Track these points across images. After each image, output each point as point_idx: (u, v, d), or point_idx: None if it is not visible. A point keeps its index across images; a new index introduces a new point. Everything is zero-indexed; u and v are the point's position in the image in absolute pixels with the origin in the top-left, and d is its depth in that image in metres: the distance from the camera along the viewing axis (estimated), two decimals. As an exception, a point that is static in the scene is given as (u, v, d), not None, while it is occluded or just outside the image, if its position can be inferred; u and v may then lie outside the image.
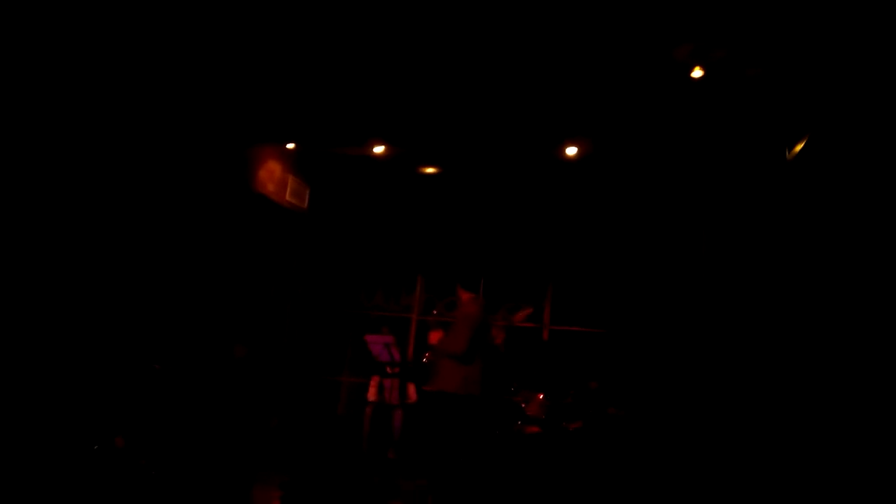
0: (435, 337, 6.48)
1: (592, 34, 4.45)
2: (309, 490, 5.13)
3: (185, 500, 4.34)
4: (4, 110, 4.22)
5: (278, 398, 7.73)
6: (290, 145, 7.15)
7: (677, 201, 6.82)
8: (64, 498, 3.97)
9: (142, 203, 5.46)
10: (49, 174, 4.57)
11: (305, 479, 5.07)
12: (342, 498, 5.35)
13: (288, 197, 7.46)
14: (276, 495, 4.65)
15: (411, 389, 7.59)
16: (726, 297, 5.45)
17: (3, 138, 4.23)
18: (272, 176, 7.14)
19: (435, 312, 6.65)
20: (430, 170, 7.64)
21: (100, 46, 4.66)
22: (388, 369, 6.97)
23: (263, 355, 7.14)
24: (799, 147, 3.83)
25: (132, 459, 4.44)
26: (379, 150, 6.69)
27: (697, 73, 5.01)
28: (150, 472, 4.38)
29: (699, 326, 5.93)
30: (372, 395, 7.44)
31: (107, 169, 5.06)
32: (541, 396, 7.13)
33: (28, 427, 4.20)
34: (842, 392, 3.29)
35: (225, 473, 4.87)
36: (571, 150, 5.85)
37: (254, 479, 4.96)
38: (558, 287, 8.63)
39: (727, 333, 5.37)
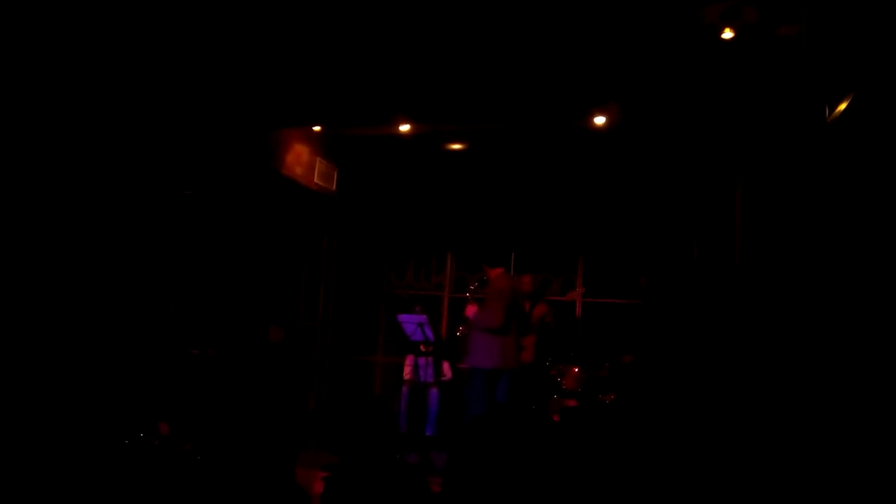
0: (470, 311, 6.54)
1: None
2: (349, 470, 5.16)
3: (231, 483, 4.41)
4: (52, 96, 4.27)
5: (315, 379, 7.81)
6: (317, 128, 7.14)
7: (710, 167, 6.68)
8: (113, 484, 4.06)
9: (176, 190, 5.51)
10: (87, 173, 4.63)
11: (345, 460, 5.10)
12: (381, 477, 5.39)
13: (316, 179, 7.47)
14: (318, 475, 4.70)
15: (446, 367, 7.61)
16: (764, 266, 5.33)
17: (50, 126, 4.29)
18: (300, 159, 7.14)
19: (472, 288, 6.65)
20: (456, 146, 7.58)
21: (123, 34, 4.68)
22: (422, 348, 6.99)
23: (298, 337, 7.22)
24: (842, 107, 3.69)
25: (177, 445, 4.53)
26: (404, 128, 6.64)
27: (728, 34, 4.86)
28: (195, 456, 4.46)
29: (736, 297, 5.83)
30: (407, 374, 7.48)
31: (140, 158, 5.11)
32: (576, 370, 7.12)
33: (73, 415, 4.30)
34: None
35: (267, 455, 4.92)
36: (599, 120, 5.74)
37: (294, 461, 5.01)
38: (589, 259, 8.56)
39: (764, 305, 5.26)
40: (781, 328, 4.70)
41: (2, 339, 4.04)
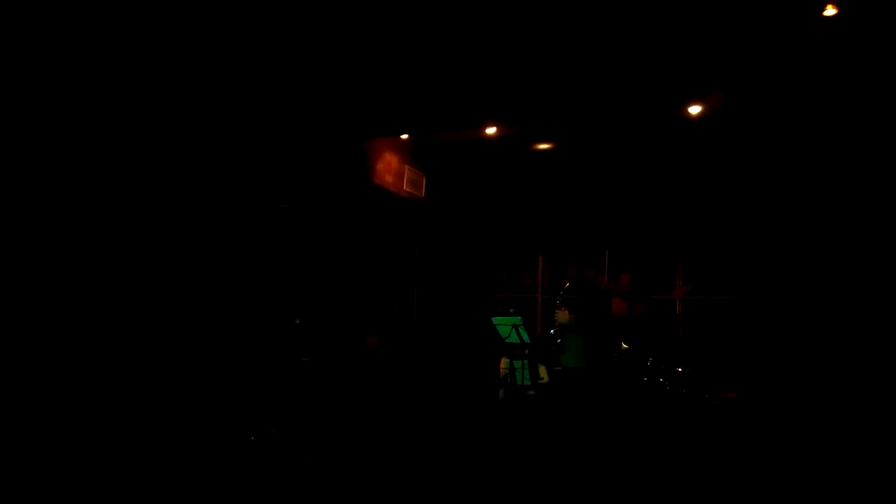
0: (562, 315, 6.52)
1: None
2: (449, 468, 5.19)
3: (339, 483, 4.50)
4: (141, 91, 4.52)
5: (411, 385, 7.88)
6: (405, 136, 7.24)
7: (816, 155, 6.31)
8: (229, 481, 4.23)
9: (273, 204, 5.71)
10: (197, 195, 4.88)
11: (443, 458, 5.13)
12: (483, 477, 5.38)
13: (405, 187, 7.57)
14: (418, 474, 4.74)
15: (542, 370, 7.52)
16: (875, 264, 4.98)
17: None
18: (389, 167, 7.26)
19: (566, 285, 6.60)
20: (544, 146, 7.50)
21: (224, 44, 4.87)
22: (517, 351, 6.93)
23: (395, 343, 7.31)
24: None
25: (285, 447, 4.66)
26: (491, 130, 6.63)
27: (830, 11, 4.62)
28: (303, 458, 4.58)
29: (848, 294, 5.48)
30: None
31: (239, 174, 5.33)
32: (679, 370, 6.91)
33: (197, 419, 4.51)
34: None
35: (368, 456, 5.00)
36: (695, 109, 5.54)
37: (392, 459, 5.07)
38: (689, 256, 8.26)
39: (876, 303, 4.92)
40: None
41: (148, 343, 4.32)
